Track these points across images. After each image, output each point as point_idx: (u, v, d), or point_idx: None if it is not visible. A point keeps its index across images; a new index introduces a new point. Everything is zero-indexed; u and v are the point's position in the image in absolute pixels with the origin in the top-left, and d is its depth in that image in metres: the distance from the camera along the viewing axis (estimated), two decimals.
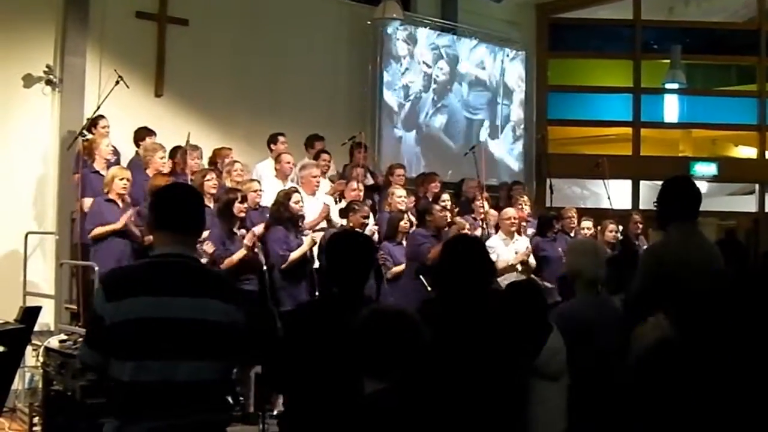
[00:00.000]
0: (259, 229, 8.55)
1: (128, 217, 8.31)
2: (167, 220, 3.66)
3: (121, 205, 8.51)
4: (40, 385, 7.63)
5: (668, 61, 16.89)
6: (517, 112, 15.17)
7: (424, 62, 13.99)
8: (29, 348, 7.32)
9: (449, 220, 9.70)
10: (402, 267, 9.18)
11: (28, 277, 9.48)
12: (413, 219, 9.77)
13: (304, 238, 8.72)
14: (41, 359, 7.30)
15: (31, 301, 8.62)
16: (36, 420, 7.46)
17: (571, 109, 16.49)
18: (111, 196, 8.49)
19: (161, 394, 3.40)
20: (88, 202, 8.95)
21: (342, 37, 13.50)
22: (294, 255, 8.51)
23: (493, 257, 9.23)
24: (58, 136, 10.48)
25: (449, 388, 3.87)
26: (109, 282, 3.56)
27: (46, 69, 10.49)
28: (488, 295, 4.66)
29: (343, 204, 9.89)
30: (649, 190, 15.35)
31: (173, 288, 3.50)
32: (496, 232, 10.30)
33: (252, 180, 9.53)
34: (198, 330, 3.48)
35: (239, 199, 8.23)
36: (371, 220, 9.74)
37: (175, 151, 9.94)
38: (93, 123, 9.86)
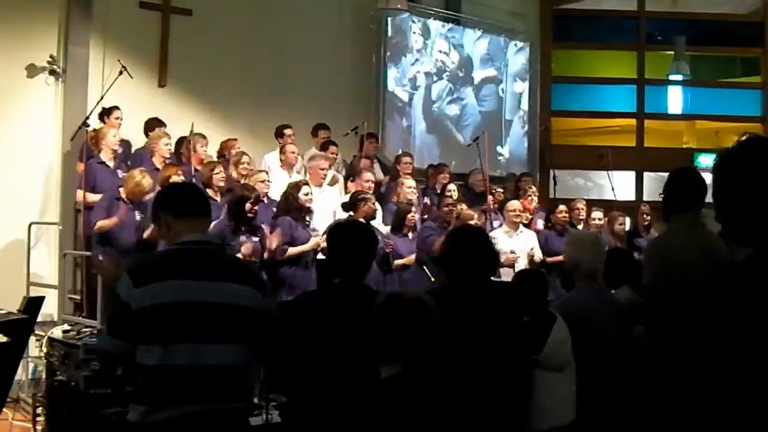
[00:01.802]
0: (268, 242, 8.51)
1: (124, 214, 8.32)
2: (188, 206, 3.75)
3: (126, 203, 8.49)
4: (44, 376, 7.65)
5: (672, 52, 16.86)
6: (520, 103, 15.14)
7: (426, 52, 13.96)
8: (32, 338, 7.33)
9: (456, 212, 9.67)
10: (410, 258, 9.15)
11: (32, 267, 9.50)
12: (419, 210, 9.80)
13: (311, 231, 8.69)
14: (45, 349, 7.30)
15: (35, 292, 8.64)
16: (39, 410, 7.45)
17: (575, 100, 16.48)
18: (123, 195, 8.48)
19: (188, 377, 3.44)
20: (90, 195, 8.94)
21: (345, 27, 13.47)
22: (293, 251, 8.50)
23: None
24: (62, 126, 10.47)
25: (451, 377, 3.87)
26: (135, 269, 3.59)
27: (50, 59, 10.48)
28: (491, 286, 4.66)
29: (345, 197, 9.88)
30: (653, 182, 15.35)
31: (201, 272, 3.56)
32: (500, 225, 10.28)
33: (260, 171, 9.52)
34: (226, 313, 3.54)
35: (252, 200, 8.24)
36: (379, 213, 9.74)
37: (180, 141, 9.96)
38: (107, 113, 9.88)
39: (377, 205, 9.55)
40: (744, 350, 2.15)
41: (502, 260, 9.48)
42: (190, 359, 3.44)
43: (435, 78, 14.07)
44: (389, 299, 3.53)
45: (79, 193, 9.08)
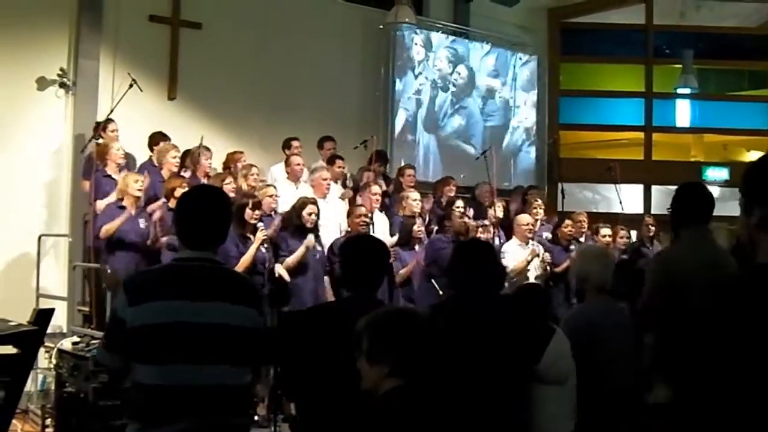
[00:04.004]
0: (269, 231, 8.50)
1: (131, 211, 8.39)
2: (187, 235, 3.68)
3: (133, 212, 8.58)
4: (53, 387, 7.67)
5: (680, 65, 16.85)
6: (529, 117, 15.16)
7: (437, 66, 14.00)
8: (42, 350, 7.35)
9: (467, 225, 9.65)
10: (409, 268, 9.14)
11: (41, 279, 9.52)
12: (425, 222, 9.80)
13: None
14: (54, 361, 7.32)
15: (44, 303, 8.65)
16: (48, 422, 7.48)
17: (582, 113, 16.48)
18: (125, 203, 8.55)
19: (184, 397, 3.41)
20: (101, 204, 9.00)
21: (355, 41, 13.53)
22: (289, 260, 8.50)
23: (506, 262, 9.37)
24: (72, 138, 10.54)
25: (454, 389, 3.89)
26: (131, 286, 3.56)
27: (60, 72, 10.55)
28: (498, 299, 4.68)
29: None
30: (661, 195, 15.34)
31: (196, 292, 3.50)
32: (508, 238, 10.26)
33: (268, 185, 9.53)
34: (221, 334, 3.48)
35: (250, 206, 8.21)
36: (385, 223, 9.75)
37: (185, 154, 9.99)
38: (102, 127, 9.89)
39: (379, 215, 9.62)
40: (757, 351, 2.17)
41: (527, 257, 9.64)
42: (185, 380, 3.40)
43: (442, 91, 14.09)
44: (381, 313, 3.55)
45: (98, 204, 9.06)
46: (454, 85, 14.14)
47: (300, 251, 8.45)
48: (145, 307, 3.43)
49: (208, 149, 10.03)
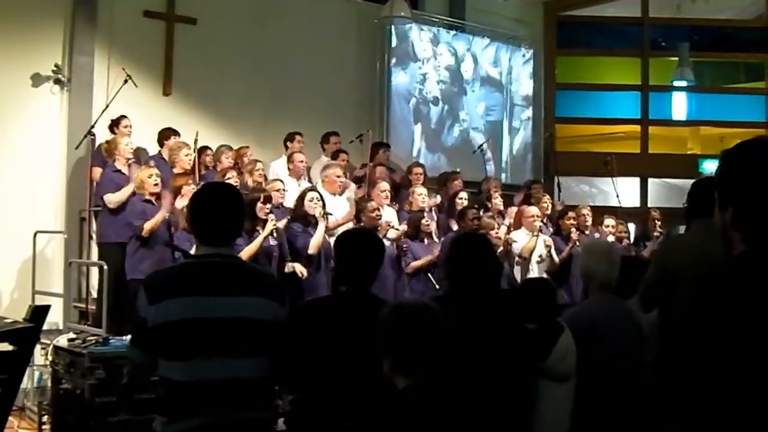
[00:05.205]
0: (281, 222, 8.51)
1: (170, 204, 8.35)
2: (203, 232, 3.74)
3: (155, 203, 8.53)
4: (49, 384, 7.67)
5: (676, 58, 16.83)
6: (525, 110, 15.15)
7: (431, 60, 13.98)
8: (38, 347, 7.35)
9: (478, 223, 9.69)
10: (422, 261, 9.16)
11: (37, 276, 9.49)
12: (434, 217, 9.97)
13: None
14: (50, 358, 7.32)
15: (40, 300, 8.65)
16: (45, 419, 7.48)
17: (579, 106, 16.48)
18: (148, 197, 8.50)
19: (207, 392, 3.47)
20: (115, 197, 8.92)
21: (350, 36, 13.50)
22: (314, 240, 8.53)
23: (516, 246, 9.61)
24: (67, 134, 10.51)
25: (457, 384, 3.87)
26: (150, 285, 3.62)
27: (55, 68, 10.52)
28: (496, 293, 4.66)
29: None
30: (658, 188, 15.35)
31: (214, 288, 3.56)
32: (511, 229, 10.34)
33: (275, 180, 9.50)
34: (241, 328, 3.54)
35: (262, 200, 8.21)
36: (394, 215, 9.77)
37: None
38: (116, 123, 9.92)
39: (388, 210, 9.64)
40: (743, 347, 2.15)
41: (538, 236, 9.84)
42: (207, 375, 3.47)
43: (438, 85, 14.08)
44: (396, 308, 3.52)
45: (110, 197, 8.93)
46: (443, 80, 14.09)
47: (320, 231, 8.49)
48: (164, 305, 3.50)
49: (230, 148, 10.26)
